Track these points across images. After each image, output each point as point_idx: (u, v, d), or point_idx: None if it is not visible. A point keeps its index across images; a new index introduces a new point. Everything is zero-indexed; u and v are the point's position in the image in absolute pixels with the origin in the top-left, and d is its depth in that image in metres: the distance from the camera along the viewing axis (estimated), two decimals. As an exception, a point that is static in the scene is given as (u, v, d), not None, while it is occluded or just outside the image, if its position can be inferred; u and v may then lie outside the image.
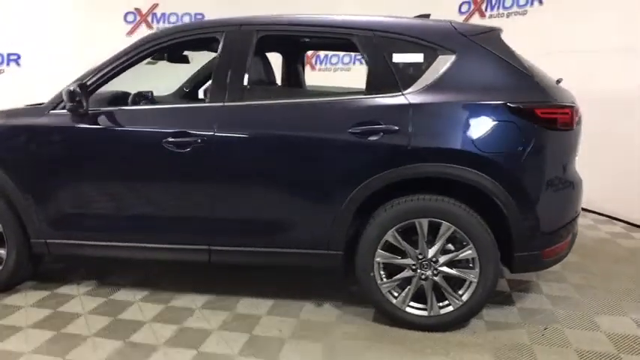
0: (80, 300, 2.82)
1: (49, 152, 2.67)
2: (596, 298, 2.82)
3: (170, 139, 2.48)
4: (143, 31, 6.30)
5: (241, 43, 2.53)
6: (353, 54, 6.35)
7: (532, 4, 4.98)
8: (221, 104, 2.50)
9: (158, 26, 6.33)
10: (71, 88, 2.45)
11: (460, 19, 5.47)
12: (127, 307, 2.72)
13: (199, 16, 6.38)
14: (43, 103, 3.29)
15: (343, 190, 2.37)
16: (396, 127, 2.29)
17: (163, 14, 6.32)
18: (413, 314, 2.44)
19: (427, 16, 2.78)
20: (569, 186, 2.36)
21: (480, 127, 2.27)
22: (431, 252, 2.37)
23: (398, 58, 2.40)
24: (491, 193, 2.27)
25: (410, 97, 2.33)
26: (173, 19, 6.35)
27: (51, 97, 2.72)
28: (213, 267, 3.04)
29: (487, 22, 5.20)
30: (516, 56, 2.39)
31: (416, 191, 2.37)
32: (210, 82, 2.63)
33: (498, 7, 5.33)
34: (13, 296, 2.86)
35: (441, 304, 2.42)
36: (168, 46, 2.67)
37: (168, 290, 2.91)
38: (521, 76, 2.36)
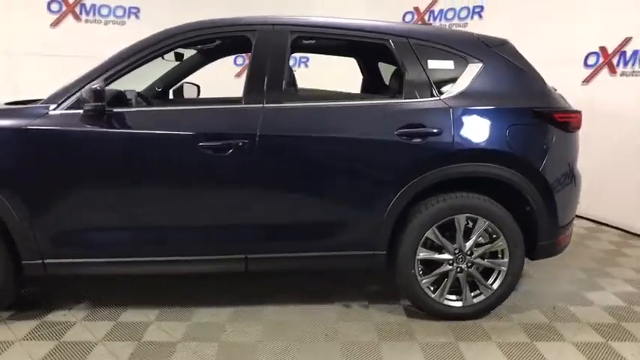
0: (85, 326, 2.50)
1: (55, 159, 2.31)
2: (578, 280, 3.25)
3: (207, 143, 2.32)
4: (70, 23, 5.67)
5: (276, 44, 2.46)
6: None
7: (472, 17, 5.49)
8: (261, 105, 2.40)
9: (87, 18, 5.72)
10: (97, 87, 2.17)
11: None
12: (146, 329, 2.48)
13: (134, 10, 5.91)
14: (27, 101, 2.89)
15: (391, 191, 2.43)
16: (441, 130, 2.42)
17: (93, 5, 5.72)
18: (450, 306, 2.60)
19: None
20: (577, 181, 2.70)
21: (512, 129, 2.49)
22: (467, 245, 2.54)
23: (433, 64, 2.54)
24: (522, 189, 2.50)
25: (448, 101, 2.48)
26: (105, 11, 5.79)
27: (48, 96, 2.37)
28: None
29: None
30: (530, 65, 2.67)
31: (447, 190, 2.52)
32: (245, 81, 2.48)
33: (441, 19, 5.77)
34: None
35: (473, 293, 2.61)
36: (193, 42, 2.49)
37: (188, 305, 2.71)
38: (536, 83, 2.64)
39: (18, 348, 2.28)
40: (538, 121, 2.53)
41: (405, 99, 2.51)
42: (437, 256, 2.55)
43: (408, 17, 6.00)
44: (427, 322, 2.60)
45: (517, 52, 2.70)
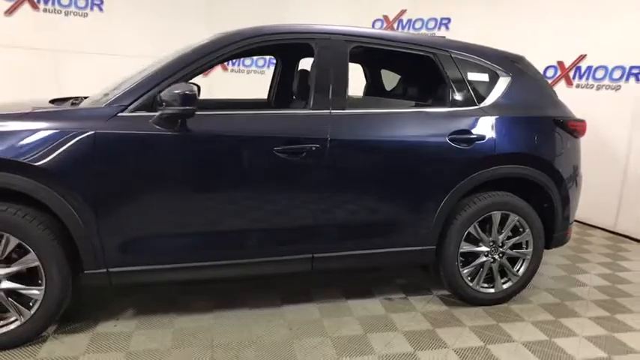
0: (145, 334, 2.43)
1: (124, 165, 2.22)
2: (564, 266, 3.74)
3: (282, 147, 2.38)
4: (26, 10, 5.19)
5: (337, 53, 2.58)
6: (267, 57, 6.50)
7: (439, 28, 5.93)
8: (328, 112, 2.51)
9: (46, 7, 5.27)
10: (187, 91, 2.13)
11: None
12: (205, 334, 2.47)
13: (97, 1, 5.56)
14: (76, 98, 2.74)
15: (444, 191, 2.67)
16: (484, 136, 2.71)
17: (51, -7, 5.29)
18: (485, 292, 2.90)
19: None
20: (581, 181, 3.13)
21: (538, 135, 2.85)
22: (500, 238, 2.86)
23: (472, 76, 2.82)
24: (547, 188, 2.87)
25: (487, 110, 2.77)
26: (65, 0, 5.37)
27: (112, 97, 2.27)
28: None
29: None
30: (544, 78, 3.06)
31: (482, 190, 2.82)
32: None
33: (409, 28, 6.15)
34: (45, 347, 2.28)
35: (502, 280, 2.93)
36: (258, 48, 2.51)
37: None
38: (551, 94, 3.04)
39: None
40: (557, 129, 2.91)
41: (451, 107, 2.76)
42: (476, 248, 2.84)
43: (378, 25, 6.32)
44: (466, 309, 2.88)
45: (533, 66, 3.07)
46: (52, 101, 2.73)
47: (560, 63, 4.91)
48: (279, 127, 2.44)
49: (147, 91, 2.28)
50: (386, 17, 6.25)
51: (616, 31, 4.43)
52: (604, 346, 2.54)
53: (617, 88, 4.47)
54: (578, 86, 4.80)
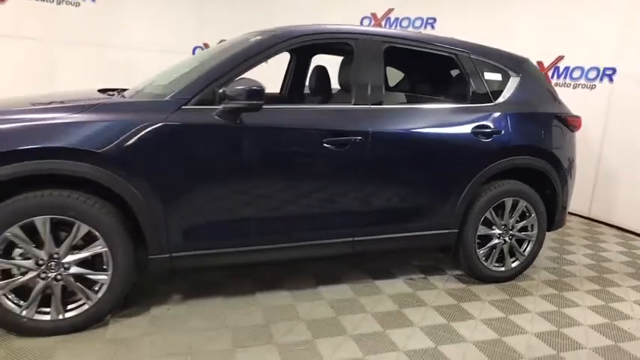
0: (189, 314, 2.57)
1: (191, 154, 2.34)
2: (552, 247, 4.15)
3: (331, 138, 2.58)
4: (20, 0, 5.04)
5: (373, 52, 2.79)
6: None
7: (425, 27, 6.25)
8: (367, 106, 2.72)
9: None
10: (254, 87, 2.28)
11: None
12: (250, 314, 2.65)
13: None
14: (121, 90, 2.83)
15: (467, 179, 2.96)
16: (501, 130, 3.01)
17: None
18: (497, 271, 3.23)
19: None
20: (575, 171, 3.51)
21: (544, 129, 3.20)
22: (511, 222, 3.19)
23: (488, 75, 3.12)
24: (551, 177, 3.22)
25: (502, 107, 3.08)
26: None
27: (174, 92, 2.38)
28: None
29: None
30: (545, 78, 3.40)
31: (496, 178, 3.13)
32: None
33: (396, 26, 6.43)
34: (110, 329, 2.39)
35: (511, 260, 3.27)
36: (302, 46, 2.68)
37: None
38: (552, 93, 3.39)
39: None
40: (558, 124, 3.27)
41: (471, 103, 3.05)
42: (491, 231, 3.15)
43: (366, 22, 6.56)
44: (481, 286, 3.20)
45: (536, 67, 3.41)
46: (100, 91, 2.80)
47: (540, 63, 5.33)
48: (328, 120, 2.63)
49: (207, 85, 2.40)
50: (374, 15, 6.50)
51: (591, 35, 4.89)
52: (605, 314, 2.92)
53: (593, 87, 4.94)
54: (556, 85, 5.23)
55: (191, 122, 2.33)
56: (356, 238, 2.79)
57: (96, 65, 5.69)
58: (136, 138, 2.24)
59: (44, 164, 2.11)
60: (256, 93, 2.29)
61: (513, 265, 3.28)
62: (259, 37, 2.64)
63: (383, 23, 6.51)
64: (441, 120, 2.93)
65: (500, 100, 3.12)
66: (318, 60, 3.60)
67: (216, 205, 2.44)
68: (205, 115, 2.37)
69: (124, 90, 2.96)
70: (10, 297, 2.20)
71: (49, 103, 2.33)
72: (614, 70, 4.79)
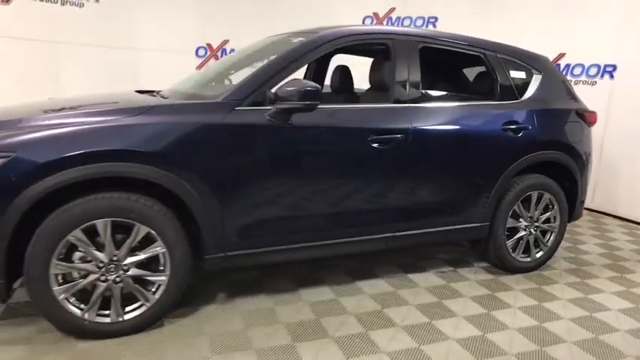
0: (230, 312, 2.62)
1: (246, 154, 2.38)
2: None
3: (376, 137, 2.65)
4: (24, 1, 4.94)
5: (410, 52, 2.87)
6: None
7: (427, 26, 6.37)
8: (406, 106, 2.80)
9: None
10: (308, 88, 2.33)
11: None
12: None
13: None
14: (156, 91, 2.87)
15: (499, 174, 3.08)
16: (528, 126, 3.14)
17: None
18: (523, 261, 3.36)
19: None
20: (591, 165, 3.67)
21: (566, 125, 3.35)
22: (536, 214, 3.32)
23: (513, 74, 3.24)
24: (572, 170, 3.37)
25: (527, 103, 3.21)
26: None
27: (226, 94, 2.42)
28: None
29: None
30: (564, 75, 3.54)
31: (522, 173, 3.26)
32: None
33: (398, 26, 6.53)
34: (166, 329, 2.41)
35: (535, 250, 3.41)
36: (344, 48, 2.75)
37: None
38: (570, 89, 3.54)
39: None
40: (578, 119, 3.42)
41: (499, 101, 3.16)
42: (518, 223, 3.28)
43: (368, 21, 6.65)
44: (509, 277, 3.32)
45: (554, 65, 3.55)
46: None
47: (542, 60, 5.52)
48: (373, 119, 2.71)
49: (258, 87, 2.44)
50: (376, 14, 6.59)
51: (591, 33, 5.08)
52: (630, 299, 3.07)
53: (594, 83, 5.14)
54: (557, 81, 5.43)
55: (245, 123, 2.37)
56: (397, 233, 2.87)
57: (99, 66, 5.61)
58: (193, 139, 2.27)
59: (109, 167, 2.12)
60: (312, 93, 2.34)
61: (538, 255, 3.41)
62: (304, 39, 2.69)
63: (385, 22, 6.61)
64: (474, 117, 3.03)
65: (526, 97, 3.25)
66: (337, 60, 3.67)
67: (269, 203, 2.49)
68: (258, 116, 2.40)
69: (158, 91, 2.97)
70: (71, 301, 2.21)
71: (103, 106, 2.34)
72: (614, 67, 4.99)
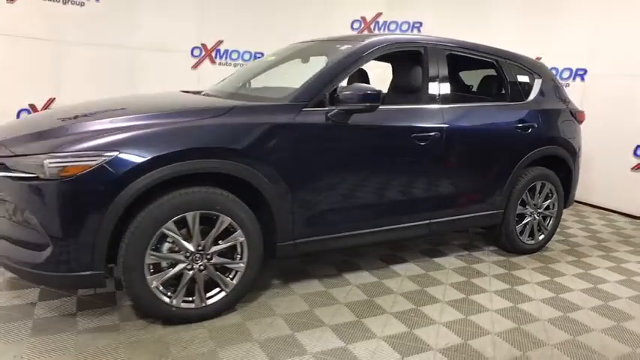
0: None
1: (315, 150, 2.64)
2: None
3: (418, 134, 2.97)
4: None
5: (441, 58, 3.22)
6: (253, 52, 6.81)
7: (412, 30, 6.78)
8: (439, 106, 3.14)
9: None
10: (368, 91, 2.60)
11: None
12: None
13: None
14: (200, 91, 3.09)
15: (512, 165, 3.49)
16: (534, 124, 3.57)
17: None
18: (528, 244, 3.80)
19: None
20: (580, 158, 4.17)
21: (563, 123, 3.81)
22: (539, 202, 3.76)
23: (520, 78, 3.66)
24: (569, 163, 3.84)
25: (532, 104, 3.64)
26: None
27: (292, 96, 2.66)
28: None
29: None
30: (557, 79, 4.02)
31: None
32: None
33: (385, 30, 6.90)
34: (240, 312, 2.62)
35: (539, 234, 3.86)
36: (389, 54, 3.04)
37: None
38: (563, 91, 4.02)
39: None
40: (571, 118, 3.90)
41: (510, 102, 3.57)
42: (525, 210, 3.71)
43: (356, 25, 6.97)
44: (517, 258, 3.75)
45: (549, 69, 4.02)
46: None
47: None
48: (415, 118, 3.02)
49: (320, 90, 2.69)
50: (364, 18, 6.93)
51: (565, 40, 5.67)
52: (622, 273, 3.58)
53: (567, 85, 5.72)
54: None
55: (311, 122, 2.62)
56: (432, 221, 3.21)
57: (97, 65, 5.60)
58: (269, 137, 2.50)
59: (202, 163, 2.31)
60: (373, 96, 2.62)
61: (540, 238, 3.87)
62: (351, 46, 2.96)
63: (372, 26, 6.96)
64: (494, 115, 3.44)
65: (530, 98, 3.68)
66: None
67: (331, 194, 2.75)
68: (321, 116, 2.65)
69: (200, 92, 3.19)
70: (160, 289, 2.37)
71: (185, 106, 2.54)
72: (585, 71, 5.60)
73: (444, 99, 3.18)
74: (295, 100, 2.64)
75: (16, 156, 2.21)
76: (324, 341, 2.38)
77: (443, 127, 3.09)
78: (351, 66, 2.86)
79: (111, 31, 5.67)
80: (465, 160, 3.29)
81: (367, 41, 2.99)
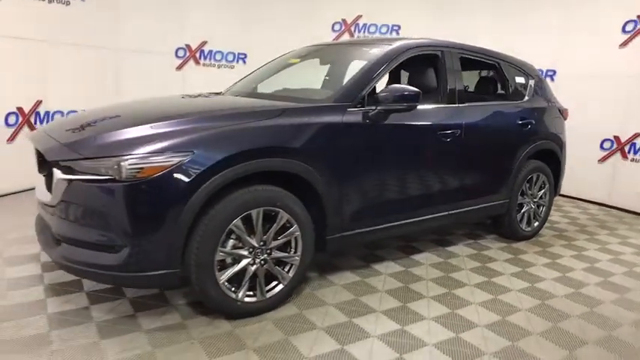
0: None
1: (360, 148, 2.80)
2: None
3: (443, 132, 3.21)
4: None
5: (456, 60, 3.48)
6: (236, 52, 6.84)
7: (391, 33, 7.06)
8: (456, 105, 3.40)
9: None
10: (406, 92, 2.79)
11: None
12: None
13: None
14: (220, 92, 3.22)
15: (517, 158, 3.82)
16: (532, 121, 3.92)
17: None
18: (526, 230, 4.16)
19: None
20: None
21: (554, 119, 4.20)
22: (535, 192, 4.13)
23: (518, 79, 4.00)
24: (559, 156, 4.24)
25: (529, 103, 4.00)
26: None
27: (335, 97, 2.82)
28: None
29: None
30: (545, 80, 4.41)
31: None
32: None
33: (365, 32, 7.14)
34: (295, 302, 2.75)
35: (534, 221, 4.23)
36: (414, 57, 3.25)
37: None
38: (550, 91, 4.42)
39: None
40: (559, 115, 4.31)
41: (512, 101, 3.91)
42: (524, 199, 4.06)
43: (337, 27, 7.17)
44: (516, 243, 4.09)
45: (538, 71, 4.41)
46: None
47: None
48: (439, 117, 3.26)
49: (359, 91, 2.86)
50: (344, 21, 7.14)
51: (535, 44, 6.15)
52: (609, 252, 4.01)
53: (538, 85, 6.22)
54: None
55: (355, 122, 2.79)
56: (452, 212, 3.47)
57: (82, 65, 5.44)
58: (321, 136, 2.64)
59: (266, 162, 2.42)
60: (412, 97, 2.82)
61: (535, 225, 4.24)
62: (382, 49, 3.14)
63: (352, 29, 7.19)
64: (501, 114, 3.76)
65: (526, 98, 4.04)
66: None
67: (374, 188, 2.93)
68: (362, 115, 2.83)
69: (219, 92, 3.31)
70: (226, 285, 2.45)
71: (243, 108, 2.66)
72: (554, 72, 6.11)
73: (460, 98, 3.44)
74: (338, 100, 2.80)
75: (86, 159, 2.21)
76: (382, 325, 2.56)
77: (462, 124, 3.35)
78: (386, 68, 3.05)
79: (96, 32, 5.54)
80: (481, 155, 3.58)
81: (397, 45, 3.19)
